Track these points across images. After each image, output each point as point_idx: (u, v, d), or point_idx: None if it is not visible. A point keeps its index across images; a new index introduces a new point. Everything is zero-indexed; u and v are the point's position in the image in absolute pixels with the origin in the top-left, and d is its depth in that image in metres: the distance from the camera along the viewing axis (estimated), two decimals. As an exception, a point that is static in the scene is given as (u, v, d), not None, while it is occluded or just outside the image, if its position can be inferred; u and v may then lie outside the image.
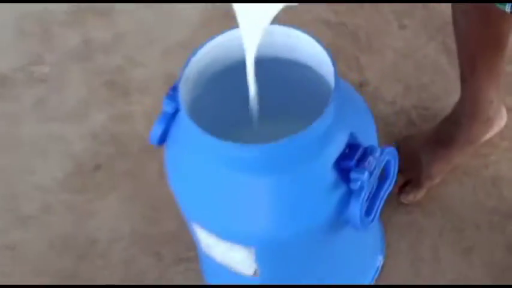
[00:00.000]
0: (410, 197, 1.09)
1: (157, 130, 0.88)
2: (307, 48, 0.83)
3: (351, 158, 0.79)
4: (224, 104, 0.90)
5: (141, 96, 1.28)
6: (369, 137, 0.85)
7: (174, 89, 0.86)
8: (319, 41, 0.81)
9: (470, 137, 1.10)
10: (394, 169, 0.86)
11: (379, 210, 0.85)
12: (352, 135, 0.81)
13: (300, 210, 0.80)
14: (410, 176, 1.09)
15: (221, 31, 0.84)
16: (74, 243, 1.12)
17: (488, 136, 1.12)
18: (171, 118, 0.88)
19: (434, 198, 1.10)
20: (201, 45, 0.83)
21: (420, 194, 1.09)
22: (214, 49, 0.84)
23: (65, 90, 1.31)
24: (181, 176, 0.85)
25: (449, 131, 1.09)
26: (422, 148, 1.10)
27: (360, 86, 1.23)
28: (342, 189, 0.80)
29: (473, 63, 1.01)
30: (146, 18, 1.38)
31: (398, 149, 1.10)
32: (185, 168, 0.84)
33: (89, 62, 1.33)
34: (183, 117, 0.79)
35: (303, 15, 1.30)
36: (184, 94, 0.80)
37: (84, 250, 1.12)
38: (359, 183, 0.79)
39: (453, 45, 1.03)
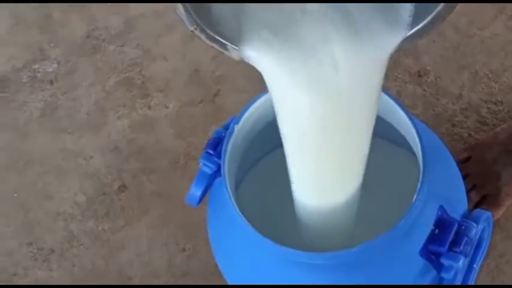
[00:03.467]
0: (487, 217, 0.94)
1: (195, 192, 0.74)
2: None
3: (442, 242, 0.65)
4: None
5: (163, 97, 1.11)
6: (458, 199, 0.70)
7: (213, 147, 0.71)
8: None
9: None
10: (488, 236, 0.71)
11: (473, 282, 0.71)
12: (441, 209, 0.66)
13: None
14: (486, 192, 0.94)
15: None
16: (105, 281, 1.00)
17: None
18: (210, 177, 0.73)
19: (514, 217, 0.95)
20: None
21: (499, 214, 0.94)
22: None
23: (75, 92, 1.14)
24: (230, 260, 0.71)
25: (532, 140, 0.93)
26: (499, 159, 0.94)
27: (419, 76, 1.05)
28: (430, 276, 0.66)
29: None
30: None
31: (469, 159, 0.97)
32: (234, 255, 0.70)
33: (99, 56, 1.16)
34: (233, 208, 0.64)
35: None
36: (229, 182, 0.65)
37: (118, 289, 0.99)
38: (453, 272, 0.64)
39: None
